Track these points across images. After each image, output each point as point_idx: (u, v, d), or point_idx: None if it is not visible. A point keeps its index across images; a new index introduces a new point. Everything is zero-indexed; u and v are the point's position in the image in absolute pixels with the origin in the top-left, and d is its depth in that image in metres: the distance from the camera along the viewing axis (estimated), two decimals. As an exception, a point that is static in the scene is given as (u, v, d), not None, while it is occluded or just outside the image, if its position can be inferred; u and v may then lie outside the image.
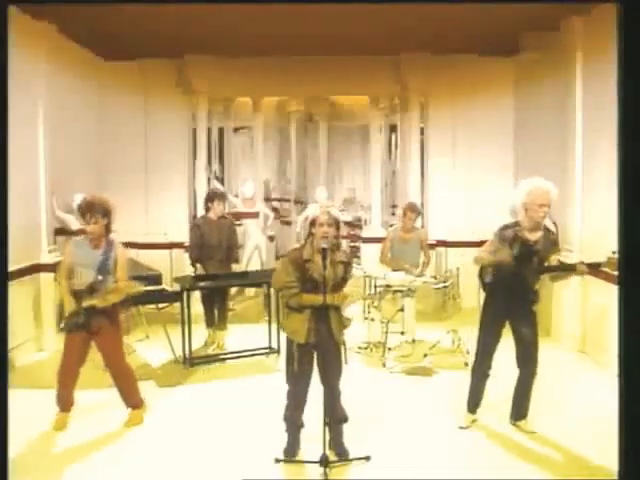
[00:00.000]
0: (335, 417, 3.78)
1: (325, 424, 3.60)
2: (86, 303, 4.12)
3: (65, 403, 4.32)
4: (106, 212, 4.20)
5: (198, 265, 6.02)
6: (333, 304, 3.65)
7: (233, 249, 6.23)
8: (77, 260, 4.18)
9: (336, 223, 3.68)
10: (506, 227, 4.09)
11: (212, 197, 6.20)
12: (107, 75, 7.94)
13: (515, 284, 3.99)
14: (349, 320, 3.86)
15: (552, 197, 3.93)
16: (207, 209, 6.19)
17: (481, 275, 4.22)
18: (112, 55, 7.75)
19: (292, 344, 3.75)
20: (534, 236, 4.00)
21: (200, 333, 6.13)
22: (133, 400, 4.43)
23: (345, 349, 3.86)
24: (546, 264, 4.05)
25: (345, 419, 3.88)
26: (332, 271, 3.63)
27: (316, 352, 3.73)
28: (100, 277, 4.17)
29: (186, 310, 5.48)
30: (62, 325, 4.19)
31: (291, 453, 3.83)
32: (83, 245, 4.23)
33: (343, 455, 3.78)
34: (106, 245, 4.25)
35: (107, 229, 4.25)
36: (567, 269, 4.23)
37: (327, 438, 3.62)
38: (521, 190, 3.99)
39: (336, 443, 3.82)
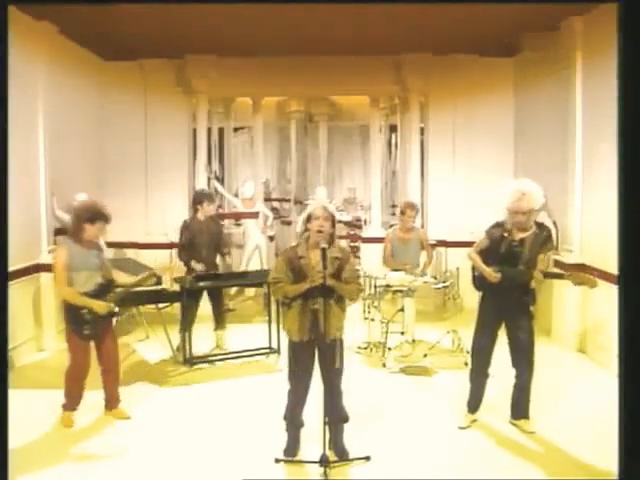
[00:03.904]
0: (336, 417, 3.78)
1: (325, 424, 3.60)
2: (108, 304, 4.18)
3: (74, 404, 4.36)
4: (108, 218, 4.30)
5: (192, 262, 5.94)
6: (328, 303, 3.59)
7: (220, 250, 6.18)
8: (76, 263, 4.15)
9: (332, 218, 3.67)
10: (496, 225, 4.13)
11: (201, 199, 6.12)
12: (107, 75, 7.94)
13: (505, 283, 3.99)
14: (340, 330, 3.77)
15: (530, 203, 3.90)
16: (195, 210, 6.15)
17: (473, 269, 4.26)
18: (112, 55, 7.76)
19: (289, 343, 3.77)
20: (521, 235, 4.00)
21: (201, 333, 6.11)
22: (117, 400, 4.50)
23: (342, 348, 3.80)
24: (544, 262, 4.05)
25: (346, 419, 3.88)
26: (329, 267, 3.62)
27: (317, 350, 3.73)
28: (112, 276, 4.28)
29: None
30: (87, 331, 4.15)
31: (291, 453, 3.83)
32: (76, 248, 4.19)
33: (343, 455, 3.78)
34: (95, 244, 4.33)
35: None
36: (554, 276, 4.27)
37: (327, 438, 3.62)
38: (504, 194, 4.00)
39: (336, 443, 3.82)
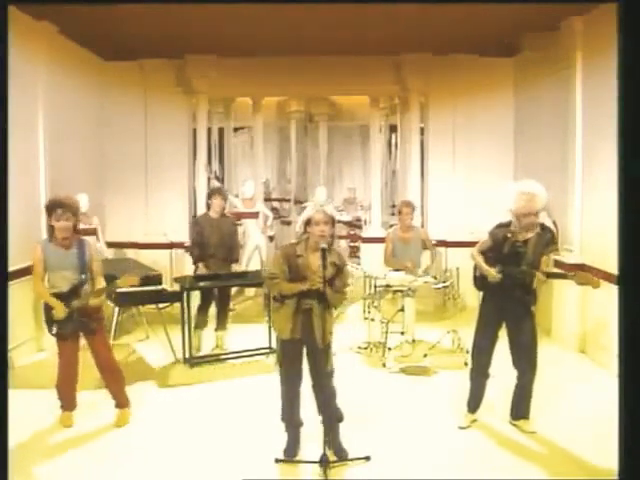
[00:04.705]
0: (329, 416, 3.76)
1: (322, 423, 3.60)
2: (78, 304, 4.08)
3: (69, 404, 4.35)
4: (75, 211, 4.17)
5: (200, 264, 5.99)
6: (320, 304, 3.61)
7: (233, 249, 6.21)
8: (51, 263, 4.09)
9: (332, 221, 3.69)
10: (500, 226, 4.13)
11: (210, 194, 6.22)
12: (107, 75, 7.95)
13: (507, 284, 4.00)
14: (332, 333, 3.79)
15: (538, 204, 3.92)
16: (208, 206, 6.20)
17: (475, 269, 4.26)
18: (112, 55, 7.76)
19: (279, 341, 3.79)
20: (525, 236, 4.00)
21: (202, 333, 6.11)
22: (122, 399, 4.44)
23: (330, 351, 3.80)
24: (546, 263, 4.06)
25: (340, 418, 3.86)
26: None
27: (307, 352, 3.74)
28: (82, 277, 4.15)
29: (186, 310, 5.48)
30: (55, 331, 4.11)
31: (291, 453, 3.83)
32: (52, 247, 4.12)
33: (341, 454, 3.78)
34: (77, 244, 4.20)
35: (75, 228, 4.19)
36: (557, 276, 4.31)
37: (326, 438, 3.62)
38: (508, 196, 3.99)
39: (333, 442, 3.81)
